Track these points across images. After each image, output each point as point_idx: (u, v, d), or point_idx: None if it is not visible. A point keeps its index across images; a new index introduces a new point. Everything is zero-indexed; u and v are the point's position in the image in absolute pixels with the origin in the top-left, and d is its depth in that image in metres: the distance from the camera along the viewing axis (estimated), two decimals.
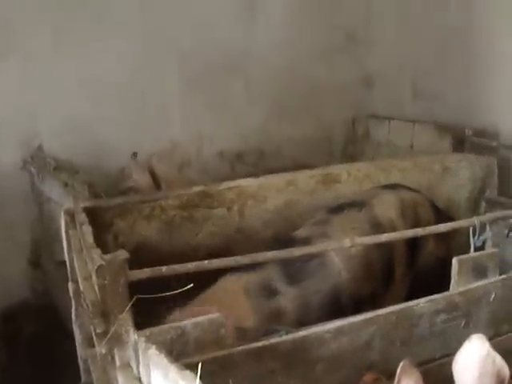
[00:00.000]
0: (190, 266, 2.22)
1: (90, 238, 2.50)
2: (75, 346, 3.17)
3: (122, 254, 2.12)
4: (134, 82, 4.43)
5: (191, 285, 2.11)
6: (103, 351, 2.10)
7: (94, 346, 2.47)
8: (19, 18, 4.09)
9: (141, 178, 4.11)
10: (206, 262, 2.25)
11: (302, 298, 2.84)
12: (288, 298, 2.83)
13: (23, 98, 4.19)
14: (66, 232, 2.99)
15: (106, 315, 2.13)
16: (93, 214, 2.97)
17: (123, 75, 4.37)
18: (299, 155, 4.85)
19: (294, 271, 2.89)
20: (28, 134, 4.24)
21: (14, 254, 4.32)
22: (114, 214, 3.21)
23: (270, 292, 2.82)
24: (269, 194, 3.54)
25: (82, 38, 4.26)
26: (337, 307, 2.83)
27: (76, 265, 2.76)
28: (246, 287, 2.79)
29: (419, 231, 2.92)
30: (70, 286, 3.03)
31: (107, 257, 2.13)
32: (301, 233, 3.15)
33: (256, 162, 4.87)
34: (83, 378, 3.12)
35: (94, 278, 2.25)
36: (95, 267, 2.13)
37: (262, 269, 2.86)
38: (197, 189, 3.42)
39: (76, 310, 3.06)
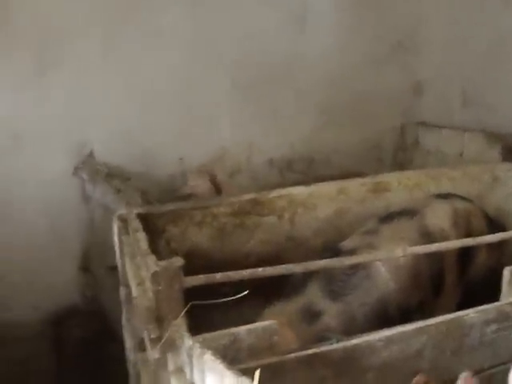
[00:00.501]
0: (245, 274, 2.23)
1: (145, 245, 2.53)
2: (123, 351, 3.20)
3: (178, 261, 2.14)
4: (185, 90, 4.46)
5: (246, 291, 2.13)
6: (156, 356, 2.13)
7: (144, 350, 2.50)
8: (70, 27, 4.12)
9: (200, 185, 4.11)
10: (260, 269, 2.26)
11: (346, 313, 2.82)
12: (331, 315, 2.80)
13: (74, 105, 4.22)
14: (119, 238, 3.02)
15: (160, 320, 2.15)
16: (145, 220, 3.00)
17: (174, 83, 4.40)
18: (348, 163, 4.84)
19: (337, 286, 2.87)
20: (78, 142, 4.28)
21: (65, 259, 4.37)
22: (167, 221, 3.24)
23: (313, 315, 2.79)
24: (319, 202, 3.54)
25: (132, 47, 4.29)
26: (384, 319, 2.79)
27: (128, 270, 2.79)
28: (290, 319, 2.75)
29: (469, 241, 2.90)
30: (122, 291, 3.06)
31: (162, 263, 2.15)
32: (347, 244, 3.12)
33: (305, 169, 4.87)
34: (132, 382, 3.14)
35: (148, 283, 2.28)
36: (150, 273, 2.16)
37: (303, 293, 2.86)
38: (248, 196, 3.44)
39: (127, 314, 3.08)
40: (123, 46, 4.27)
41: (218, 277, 2.19)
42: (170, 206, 3.36)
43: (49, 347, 4.28)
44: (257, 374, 1.54)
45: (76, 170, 4.26)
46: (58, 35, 4.11)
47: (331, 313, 2.80)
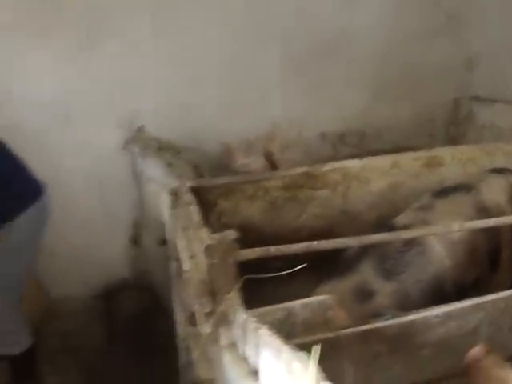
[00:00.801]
0: (299, 247, 2.20)
1: (197, 218, 2.51)
2: (173, 325, 3.19)
3: (231, 234, 2.12)
4: (235, 64, 4.42)
5: (305, 264, 2.10)
6: (208, 330, 2.11)
7: (194, 325, 2.48)
8: (120, 1, 4.13)
9: (253, 163, 4.07)
10: (315, 242, 2.23)
11: (399, 292, 2.78)
12: (385, 294, 2.77)
13: (124, 80, 4.22)
14: (170, 211, 3.01)
15: (212, 294, 2.13)
16: (197, 194, 2.99)
17: (224, 57, 4.37)
18: (400, 137, 4.77)
19: (390, 265, 2.83)
20: (129, 116, 4.27)
21: (115, 233, 4.40)
22: (218, 194, 3.24)
23: (366, 295, 2.76)
24: (373, 176, 3.52)
25: (182, 19, 4.27)
26: (440, 296, 2.75)
27: (179, 244, 2.78)
28: (342, 298, 2.68)
29: None
30: (172, 264, 3.06)
31: (216, 236, 2.13)
32: (401, 219, 3.09)
33: (357, 143, 4.82)
34: (182, 356, 3.14)
35: (200, 257, 2.26)
36: (204, 246, 2.14)
37: (356, 271, 2.83)
38: (300, 170, 3.42)
39: (177, 288, 3.08)
40: (173, 19, 4.25)
41: (273, 250, 2.16)
42: (222, 180, 3.35)
43: (99, 321, 4.31)
44: (316, 349, 1.51)
45: (126, 145, 4.27)
46: (108, 9, 4.10)
47: (384, 292, 2.77)
